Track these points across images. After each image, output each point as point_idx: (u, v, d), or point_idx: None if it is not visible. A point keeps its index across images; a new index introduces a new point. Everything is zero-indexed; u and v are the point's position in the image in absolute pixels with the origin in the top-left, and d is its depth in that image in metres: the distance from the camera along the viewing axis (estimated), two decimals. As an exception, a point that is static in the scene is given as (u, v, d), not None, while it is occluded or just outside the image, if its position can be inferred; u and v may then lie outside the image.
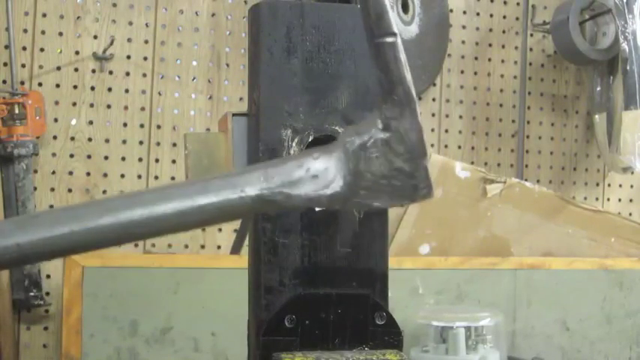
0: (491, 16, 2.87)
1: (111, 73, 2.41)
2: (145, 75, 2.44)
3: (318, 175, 0.96)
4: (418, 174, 0.97)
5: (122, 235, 0.94)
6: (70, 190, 2.36)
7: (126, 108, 2.43)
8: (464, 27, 2.83)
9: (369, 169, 0.96)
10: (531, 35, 2.91)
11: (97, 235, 0.92)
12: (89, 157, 2.38)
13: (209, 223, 0.98)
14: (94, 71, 2.40)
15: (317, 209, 1.18)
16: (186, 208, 0.93)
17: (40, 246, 0.91)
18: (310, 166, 0.96)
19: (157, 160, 2.45)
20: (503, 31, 2.89)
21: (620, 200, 3.03)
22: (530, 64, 2.91)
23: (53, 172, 2.35)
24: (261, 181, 0.94)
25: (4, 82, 2.30)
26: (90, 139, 2.39)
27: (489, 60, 2.86)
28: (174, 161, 2.45)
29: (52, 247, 0.92)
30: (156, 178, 2.44)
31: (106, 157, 2.40)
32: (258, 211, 1.00)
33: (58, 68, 2.37)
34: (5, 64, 2.30)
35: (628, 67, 2.71)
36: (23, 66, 2.33)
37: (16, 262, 0.93)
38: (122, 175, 2.41)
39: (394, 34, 0.96)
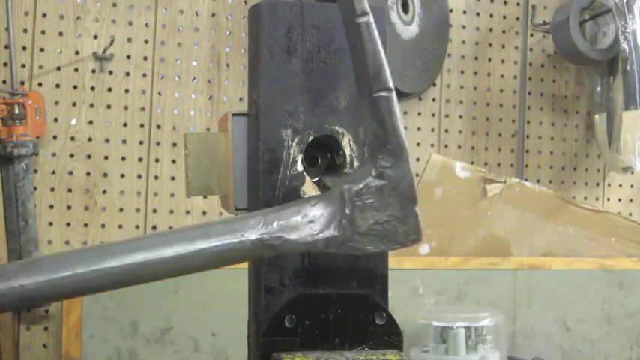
0: (491, 16, 2.87)
1: (111, 73, 2.41)
2: (145, 75, 2.44)
3: (315, 220, 1.01)
4: (409, 220, 1.04)
5: (125, 278, 0.97)
6: (70, 190, 2.36)
7: (126, 108, 2.43)
8: (464, 27, 2.83)
9: (364, 215, 1.02)
10: (531, 35, 2.91)
11: (100, 278, 0.96)
12: (89, 157, 2.38)
13: (210, 267, 1.01)
14: (94, 71, 2.40)
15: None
16: (188, 252, 0.98)
17: (43, 288, 0.93)
18: (307, 212, 1.02)
19: (157, 160, 2.45)
20: (504, 31, 2.89)
21: (620, 200, 3.03)
22: (530, 64, 2.91)
23: (53, 172, 2.35)
24: (260, 226, 0.99)
25: (4, 82, 2.30)
26: (90, 139, 2.39)
27: (489, 60, 2.86)
28: (174, 161, 2.45)
29: (56, 290, 0.94)
30: (156, 178, 2.44)
31: (106, 157, 2.40)
32: (258, 255, 1.03)
33: (58, 68, 2.37)
34: (5, 64, 2.30)
35: (628, 67, 2.71)
36: (23, 66, 2.33)
37: (20, 303, 0.95)
38: (122, 175, 2.41)
39: (391, 90, 1.02)
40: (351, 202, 1.03)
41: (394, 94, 1.04)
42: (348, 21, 1.07)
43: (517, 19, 2.90)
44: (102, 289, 0.98)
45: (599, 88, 2.85)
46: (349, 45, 1.09)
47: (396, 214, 1.04)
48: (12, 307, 0.97)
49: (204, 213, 2.47)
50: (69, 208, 2.36)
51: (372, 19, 1.04)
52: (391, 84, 1.03)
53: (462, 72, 2.82)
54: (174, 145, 2.46)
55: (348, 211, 1.03)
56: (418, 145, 2.74)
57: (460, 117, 2.82)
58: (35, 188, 2.32)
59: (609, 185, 3.02)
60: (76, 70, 2.38)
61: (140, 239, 1.00)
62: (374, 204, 1.03)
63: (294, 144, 1.25)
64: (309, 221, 1.02)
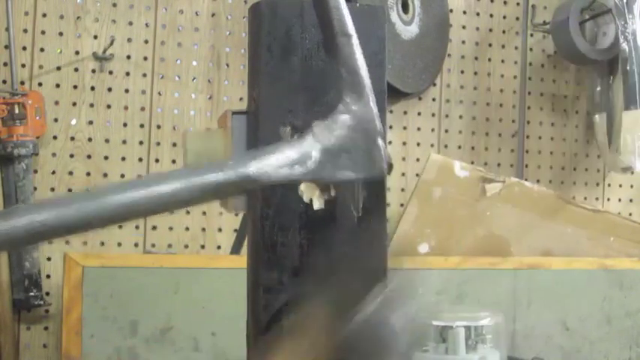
0: (491, 16, 2.87)
1: (111, 73, 2.41)
2: (145, 75, 2.45)
3: (292, 156, 1.12)
4: (373, 151, 1.15)
5: (127, 211, 1.06)
6: (70, 190, 2.36)
7: (126, 108, 2.43)
8: (464, 27, 2.83)
9: (334, 146, 1.13)
10: (531, 35, 2.91)
11: (104, 211, 1.04)
12: (89, 157, 2.39)
13: (202, 201, 1.10)
14: (94, 71, 2.40)
15: (315, 207, 1.19)
16: (181, 187, 1.07)
17: (52, 222, 1.02)
18: (285, 150, 1.12)
19: (157, 160, 2.45)
20: (504, 31, 2.89)
21: (620, 200, 3.04)
22: (531, 64, 2.92)
23: (53, 172, 2.35)
24: (244, 162, 1.10)
25: (4, 82, 2.30)
26: (90, 139, 2.39)
27: (489, 60, 2.86)
28: (174, 161, 2.45)
29: (64, 223, 1.03)
30: (156, 178, 2.44)
31: (106, 157, 2.40)
32: (244, 187, 1.12)
33: (58, 68, 2.37)
34: (5, 64, 2.30)
35: (628, 67, 2.71)
36: (23, 66, 2.34)
37: (30, 238, 1.03)
38: (122, 175, 2.41)
39: (351, 36, 1.15)
40: (322, 135, 1.14)
41: (355, 40, 1.15)
42: None
43: (517, 19, 2.91)
44: (106, 222, 1.06)
45: (599, 88, 2.85)
46: (314, 5, 1.20)
47: (361, 146, 1.14)
48: (23, 243, 1.05)
49: (203, 213, 2.47)
50: (69, 208, 2.35)
51: None
52: (352, 31, 1.16)
53: (462, 72, 2.82)
54: (175, 145, 2.46)
55: (320, 146, 1.13)
56: (418, 144, 2.75)
57: (460, 117, 2.82)
58: (35, 188, 2.32)
59: (609, 185, 3.02)
60: (76, 70, 2.38)
61: (139, 180, 1.16)
62: (342, 136, 1.14)
63: (293, 142, 1.25)
64: (286, 156, 1.12)
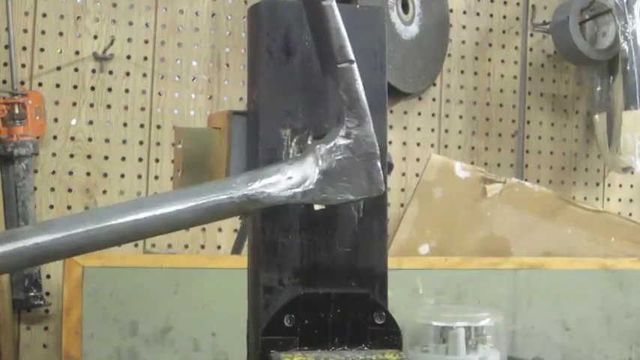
0: (491, 16, 2.87)
1: (111, 73, 2.41)
2: (145, 75, 2.45)
3: (293, 176, 1.16)
4: (372, 173, 1.19)
5: (131, 233, 1.10)
6: (70, 190, 2.36)
7: (126, 108, 2.43)
8: (464, 27, 2.83)
9: (334, 170, 1.18)
10: (531, 35, 2.91)
11: (109, 234, 1.08)
12: (89, 157, 2.39)
13: (205, 221, 1.15)
14: (94, 71, 2.40)
15: (316, 208, 1.19)
16: (185, 208, 1.11)
17: (57, 245, 1.06)
18: (286, 170, 1.16)
19: (157, 160, 2.45)
20: (504, 31, 2.89)
21: (620, 200, 3.04)
22: (531, 64, 2.92)
23: (53, 172, 2.35)
24: (246, 183, 1.13)
25: (4, 82, 2.30)
26: (90, 139, 2.39)
27: (489, 60, 2.86)
28: (173, 161, 2.45)
29: (69, 245, 1.07)
30: (156, 178, 2.44)
31: (106, 157, 2.40)
32: (245, 208, 1.15)
33: (58, 68, 2.37)
34: (5, 64, 2.31)
35: (628, 67, 2.71)
36: (23, 66, 2.34)
37: (35, 260, 1.07)
38: (122, 175, 2.41)
39: (353, 61, 1.18)
40: (322, 158, 1.17)
41: (355, 66, 1.18)
42: (312, 4, 1.20)
43: (517, 19, 2.91)
44: (111, 244, 1.10)
45: (599, 88, 2.85)
46: (311, 25, 1.23)
47: (361, 169, 1.19)
48: (28, 264, 1.10)
49: (204, 213, 2.47)
50: (69, 208, 2.36)
51: (334, 3, 1.18)
52: (352, 57, 1.18)
53: (462, 72, 2.82)
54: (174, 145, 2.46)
55: (320, 168, 1.17)
56: (418, 145, 2.75)
57: (460, 117, 2.82)
58: (35, 188, 2.32)
59: (609, 185, 3.03)
60: (76, 70, 2.38)
61: (143, 199, 1.19)
62: (342, 160, 1.18)
63: (293, 143, 1.26)
64: (287, 177, 1.15)
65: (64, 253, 1.08)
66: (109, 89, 2.41)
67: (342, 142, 1.18)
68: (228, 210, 1.14)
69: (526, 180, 2.81)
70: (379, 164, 1.20)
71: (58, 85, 2.37)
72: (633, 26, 2.72)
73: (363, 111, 1.19)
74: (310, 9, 1.22)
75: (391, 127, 2.68)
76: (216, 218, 1.15)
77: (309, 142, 1.26)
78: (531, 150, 2.91)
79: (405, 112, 2.73)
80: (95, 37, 2.40)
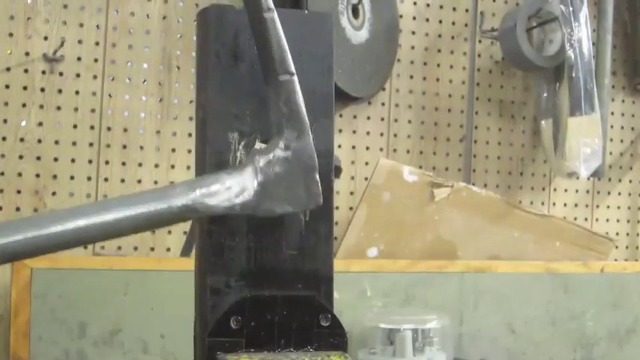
0: (440, 22, 2.90)
1: (61, 74, 2.40)
2: (95, 77, 2.44)
3: (232, 187, 1.17)
4: (311, 185, 1.21)
5: (71, 240, 1.10)
6: (19, 192, 2.35)
7: (76, 110, 2.42)
8: (413, 32, 2.86)
9: (273, 181, 1.19)
10: (480, 42, 2.94)
11: (49, 241, 1.08)
12: (38, 158, 2.38)
13: (144, 229, 1.16)
14: (44, 72, 2.39)
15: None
16: (124, 216, 1.12)
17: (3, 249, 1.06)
18: (225, 181, 1.17)
19: (106, 162, 2.45)
20: (452, 37, 2.92)
21: (565, 205, 3.08)
22: (479, 69, 2.95)
23: (2, 174, 2.34)
24: (185, 193, 1.14)
25: (-47, 82, 2.29)
26: (39, 141, 2.38)
27: (438, 65, 2.89)
28: (124, 163, 2.45)
29: (8, 253, 1.07)
30: (105, 180, 2.44)
31: (56, 159, 2.39)
32: (185, 217, 1.16)
33: (8, 69, 2.36)
34: (-46, 65, 2.29)
35: (573, 74, 2.75)
36: (-28, 67, 2.33)
37: None
38: (72, 177, 2.41)
39: (293, 74, 1.19)
40: (261, 171, 1.18)
41: (296, 78, 1.19)
42: (254, 15, 1.21)
43: (466, 25, 2.94)
44: (51, 250, 1.10)
45: (545, 95, 2.89)
46: (254, 35, 1.23)
47: (299, 180, 1.20)
48: None
49: (153, 215, 2.47)
50: (18, 209, 2.35)
51: (275, 14, 1.19)
52: (293, 69, 1.19)
53: (412, 77, 2.85)
54: (125, 147, 2.46)
55: (259, 179, 1.18)
56: (367, 148, 2.77)
57: (409, 121, 2.84)
58: (-17, 189, 2.31)
59: (555, 190, 3.06)
60: (26, 71, 2.37)
61: (83, 207, 1.14)
62: (281, 172, 1.19)
63: (240, 147, 1.27)
64: (226, 188, 1.17)
65: (3, 260, 1.08)
66: (59, 91, 2.40)
67: (280, 154, 1.20)
68: (168, 219, 1.15)
69: (473, 184, 2.84)
70: (317, 177, 1.21)
71: (7, 86, 2.35)
72: (579, 34, 2.76)
73: (303, 124, 1.20)
74: (252, 20, 1.22)
75: (340, 130, 2.70)
76: (155, 227, 1.17)
77: (255, 147, 1.27)
78: (479, 155, 2.94)
79: (355, 117, 2.75)
80: (45, 38, 2.39)
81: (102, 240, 1.15)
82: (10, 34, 2.36)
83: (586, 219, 3.11)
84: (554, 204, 3.06)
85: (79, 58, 2.43)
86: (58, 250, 1.11)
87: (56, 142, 2.40)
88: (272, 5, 1.19)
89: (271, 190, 1.18)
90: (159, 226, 1.17)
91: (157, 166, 2.49)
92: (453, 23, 2.92)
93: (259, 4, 1.19)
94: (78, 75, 2.42)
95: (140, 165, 2.47)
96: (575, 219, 3.06)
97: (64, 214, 1.12)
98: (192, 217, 1.18)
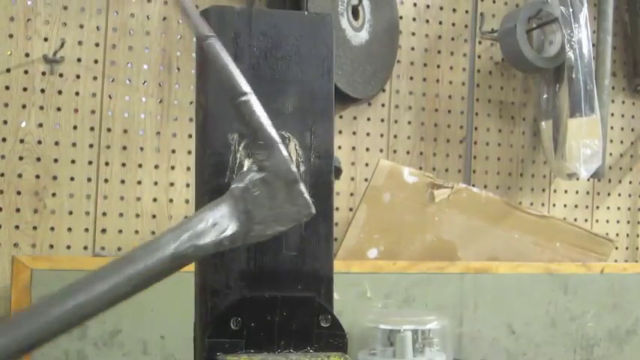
0: (440, 23, 2.90)
1: (61, 75, 2.40)
2: (95, 78, 2.44)
3: (217, 222, 1.13)
4: (297, 199, 1.15)
5: (72, 321, 1.09)
6: (18, 193, 2.35)
7: (76, 111, 2.42)
8: (413, 34, 2.86)
9: (256, 206, 1.14)
10: (479, 43, 2.94)
11: (50, 328, 1.07)
12: (38, 159, 2.38)
13: (141, 289, 1.12)
14: (44, 74, 2.39)
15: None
16: (119, 282, 1.09)
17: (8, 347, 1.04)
18: (209, 218, 1.13)
19: (106, 164, 2.44)
20: (452, 39, 2.92)
21: (565, 206, 3.08)
22: (479, 71, 2.95)
23: (2, 175, 2.34)
24: (173, 241, 1.11)
25: (-47, 83, 2.29)
26: (39, 142, 2.38)
27: (438, 67, 2.89)
28: (124, 164, 2.45)
29: (20, 348, 1.05)
30: (105, 181, 2.43)
31: (56, 160, 2.39)
32: (178, 266, 1.13)
33: (8, 70, 2.36)
34: (-46, 66, 2.30)
35: (573, 76, 2.75)
36: (-28, 68, 2.33)
37: None
38: (72, 178, 2.41)
39: (245, 93, 1.13)
40: (241, 198, 1.14)
41: (251, 96, 1.14)
42: (198, 45, 1.18)
43: (466, 26, 2.94)
44: (57, 335, 1.07)
45: (545, 96, 2.89)
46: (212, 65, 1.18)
47: (284, 198, 1.14)
48: None
49: (153, 216, 2.47)
50: (18, 210, 2.35)
51: (215, 40, 1.15)
52: (245, 88, 1.14)
53: (411, 78, 2.85)
54: (125, 148, 2.46)
55: (241, 207, 1.14)
56: (367, 150, 2.77)
57: (409, 123, 2.84)
58: (-17, 190, 2.31)
59: (555, 191, 3.06)
60: (26, 72, 2.37)
61: (77, 283, 1.11)
62: (262, 194, 1.14)
63: (240, 148, 1.27)
64: (212, 224, 1.13)
65: (11, 356, 1.05)
66: (59, 92, 2.40)
67: (256, 176, 1.15)
68: (162, 273, 1.12)
69: (473, 185, 2.84)
70: (301, 187, 1.15)
71: (7, 88, 2.35)
72: (579, 35, 2.76)
73: (270, 140, 1.14)
74: (197, 49, 1.21)
75: (340, 132, 2.70)
76: (152, 283, 1.13)
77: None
78: (479, 156, 2.94)
79: (355, 118, 2.75)
80: (45, 39, 2.39)
81: (104, 311, 1.11)
82: (11, 36, 2.36)
83: (586, 220, 3.11)
84: (554, 205, 3.06)
85: (79, 60, 2.43)
86: (64, 333, 1.08)
87: (56, 143, 2.40)
88: (211, 32, 1.15)
89: (256, 215, 1.14)
90: (156, 281, 1.13)
91: (157, 167, 2.49)
92: (453, 24, 2.92)
93: (198, 34, 1.15)
94: (78, 76, 2.42)
95: (140, 166, 2.47)
96: (575, 220, 3.06)
97: (59, 296, 1.09)
98: (186, 264, 1.14)
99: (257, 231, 1.15)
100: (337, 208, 2.66)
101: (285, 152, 1.15)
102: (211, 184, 1.26)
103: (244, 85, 1.14)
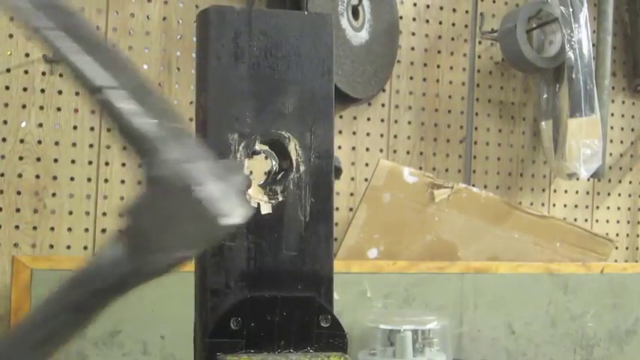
0: (440, 23, 2.90)
1: (61, 75, 2.40)
2: (95, 78, 2.44)
3: (113, 261, 0.93)
4: (198, 209, 0.90)
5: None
6: (18, 193, 2.35)
7: (76, 111, 2.42)
8: (413, 34, 2.86)
9: (152, 231, 0.91)
10: (479, 43, 2.94)
11: None
12: (39, 159, 2.38)
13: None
14: (44, 74, 2.39)
15: (263, 213, 1.21)
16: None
17: None
18: (103, 259, 0.94)
19: (107, 164, 2.44)
20: (452, 39, 2.92)
21: (565, 206, 3.08)
22: (479, 71, 2.95)
23: (2, 175, 2.34)
24: (73, 292, 0.97)
25: (-47, 83, 2.29)
26: (40, 142, 2.38)
27: (438, 66, 2.89)
28: (124, 164, 2.45)
29: None
30: (106, 181, 2.43)
31: (56, 160, 2.39)
32: (83, 322, 0.98)
33: (8, 70, 2.36)
34: (-46, 66, 2.30)
35: (573, 76, 2.75)
36: (-28, 68, 2.33)
37: None
38: (72, 178, 2.41)
39: (99, 89, 0.91)
40: (131, 229, 0.92)
41: (110, 91, 0.92)
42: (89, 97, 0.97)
43: (466, 26, 2.94)
44: None
45: (545, 96, 2.89)
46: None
47: (185, 211, 0.89)
48: None
49: (153, 216, 2.47)
50: (18, 210, 2.35)
51: (107, 93, 0.94)
52: (100, 82, 0.92)
53: (411, 78, 2.85)
54: (125, 148, 2.45)
55: (124, 248, 0.93)
56: (367, 150, 2.77)
57: (409, 123, 2.84)
58: (-17, 190, 2.31)
59: (555, 191, 3.06)
60: (26, 72, 2.37)
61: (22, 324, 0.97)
62: (158, 214, 0.91)
63: (240, 148, 1.27)
64: (109, 263, 0.93)
65: None
66: (59, 92, 2.40)
67: (138, 201, 0.94)
68: (68, 333, 0.98)
69: (473, 185, 2.84)
70: (201, 194, 0.90)
71: (7, 88, 2.35)
72: (579, 35, 2.76)
73: (145, 141, 0.92)
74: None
75: (340, 132, 2.70)
76: (65, 341, 0.98)
77: (256, 147, 1.27)
78: (479, 156, 2.94)
79: (355, 118, 2.75)
80: (45, 39, 2.39)
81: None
82: (10, 35, 2.36)
83: (586, 220, 3.11)
84: (554, 205, 3.06)
85: (79, 59, 2.42)
86: None
87: (56, 143, 2.40)
88: (100, 83, 0.93)
89: (155, 244, 0.91)
90: (67, 341, 0.98)
91: (157, 167, 2.48)
92: (453, 24, 2.92)
93: (87, 87, 0.94)
94: (78, 76, 2.42)
95: (140, 166, 2.47)
96: (575, 220, 3.06)
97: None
98: (90, 319, 0.98)
99: (157, 262, 0.93)
100: (337, 208, 2.66)
101: (171, 152, 0.91)
102: (211, 184, 1.26)
103: (100, 81, 0.92)
